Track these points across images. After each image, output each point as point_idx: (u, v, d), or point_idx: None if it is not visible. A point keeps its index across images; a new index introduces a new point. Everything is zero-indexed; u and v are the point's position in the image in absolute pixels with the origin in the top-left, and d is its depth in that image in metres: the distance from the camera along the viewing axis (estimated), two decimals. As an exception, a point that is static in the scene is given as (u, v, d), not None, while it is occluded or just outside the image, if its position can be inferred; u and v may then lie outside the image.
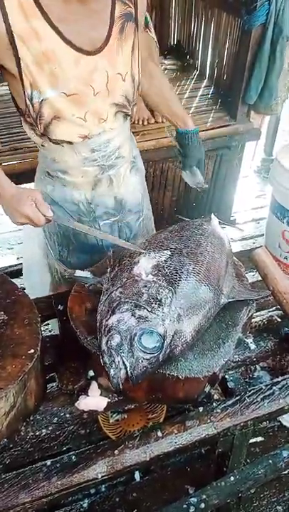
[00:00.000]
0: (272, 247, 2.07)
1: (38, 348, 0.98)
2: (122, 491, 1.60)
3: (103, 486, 1.53)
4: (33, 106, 1.03)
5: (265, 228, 2.28)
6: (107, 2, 1.04)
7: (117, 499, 1.59)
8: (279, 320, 1.36)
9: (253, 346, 1.29)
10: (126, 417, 1.39)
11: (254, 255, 1.29)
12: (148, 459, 0.98)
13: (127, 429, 1.39)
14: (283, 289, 1.25)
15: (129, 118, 1.24)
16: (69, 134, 1.11)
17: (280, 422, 1.84)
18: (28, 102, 1.03)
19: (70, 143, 1.13)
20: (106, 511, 1.56)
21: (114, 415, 1.37)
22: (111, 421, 1.39)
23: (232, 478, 1.21)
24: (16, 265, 2.52)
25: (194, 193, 2.45)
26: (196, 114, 2.39)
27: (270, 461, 1.24)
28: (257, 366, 1.26)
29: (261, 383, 1.16)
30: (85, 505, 1.57)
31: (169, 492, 1.58)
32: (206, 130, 2.28)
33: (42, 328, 1.07)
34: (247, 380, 1.24)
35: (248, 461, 1.36)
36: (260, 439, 1.78)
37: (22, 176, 1.97)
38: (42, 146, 1.18)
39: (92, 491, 1.48)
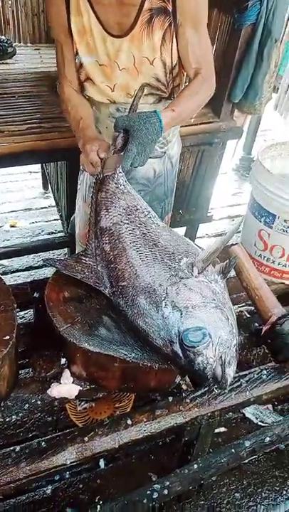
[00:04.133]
0: (247, 244, 2.10)
1: (14, 335, 0.97)
2: (86, 478, 1.61)
3: (67, 472, 1.54)
4: (76, 63, 1.30)
5: (242, 226, 2.32)
6: None
7: (81, 486, 1.60)
8: (248, 316, 1.40)
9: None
10: (94, 405, 1.40)
11: (230, 251, 1.33)
12: (117, 446, 0.99)
13: (94, 418, 1.40)
14: (256, 285, 1.29)
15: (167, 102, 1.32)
16: (99, 96, 1.34)
17: (243, 413, 1.90)
18: (75, 60, 1.30)
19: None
20: (69, 498, 1.56)
21: (82, 403, 1.38)
22: (79, 409, 1.40)
23: (195, 466, 1.25)
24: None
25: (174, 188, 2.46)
26: (181, 108, 2.39)
27: (233, 450, 1.29)
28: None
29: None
30: (48, 491, 1.56)
31: (132, 479, 1.61)
32: (189, 126, 2.28)
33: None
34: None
35: (211, 450, 1.41)
36: (223, 429, 1.84)
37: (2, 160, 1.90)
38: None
39: (57, 477, 1.49)
